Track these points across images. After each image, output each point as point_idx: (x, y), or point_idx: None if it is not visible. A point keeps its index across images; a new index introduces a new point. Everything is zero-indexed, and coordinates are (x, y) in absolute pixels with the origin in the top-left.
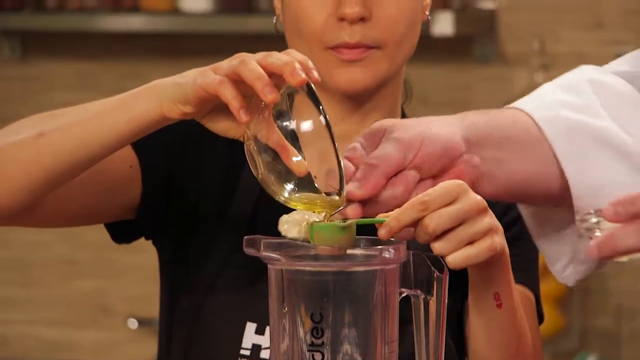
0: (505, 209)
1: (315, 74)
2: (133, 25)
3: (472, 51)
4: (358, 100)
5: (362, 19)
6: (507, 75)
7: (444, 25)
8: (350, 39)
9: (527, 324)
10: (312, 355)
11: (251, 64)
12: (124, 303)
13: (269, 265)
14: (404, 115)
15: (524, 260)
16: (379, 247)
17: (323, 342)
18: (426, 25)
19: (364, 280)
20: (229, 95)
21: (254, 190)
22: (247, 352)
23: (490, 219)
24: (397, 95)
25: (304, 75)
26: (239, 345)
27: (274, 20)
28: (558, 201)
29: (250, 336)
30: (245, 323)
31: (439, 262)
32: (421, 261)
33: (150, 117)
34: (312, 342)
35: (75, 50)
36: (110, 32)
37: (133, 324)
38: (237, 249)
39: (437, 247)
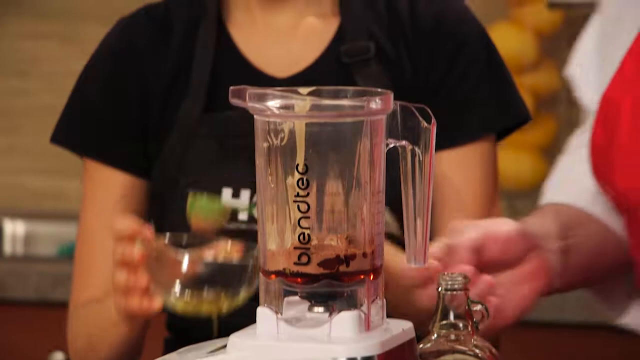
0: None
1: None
2: None
3: None
4: None
5: None
6: None
7: None
8: None
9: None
10: (298, 206)
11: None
12: None
13: (255, 117)
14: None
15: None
16: (366, 97)
17: (308, 193)
18: None
19: (350, 131)
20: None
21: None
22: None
23: None
24: None
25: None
26: None
27: None
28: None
29: (227, 201)
30: (221, 189)
31: (426, 112)
32: (408, 112)
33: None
34: (298, 193)
35: None
36: None
37: None
38: (200, 122)
39: None
